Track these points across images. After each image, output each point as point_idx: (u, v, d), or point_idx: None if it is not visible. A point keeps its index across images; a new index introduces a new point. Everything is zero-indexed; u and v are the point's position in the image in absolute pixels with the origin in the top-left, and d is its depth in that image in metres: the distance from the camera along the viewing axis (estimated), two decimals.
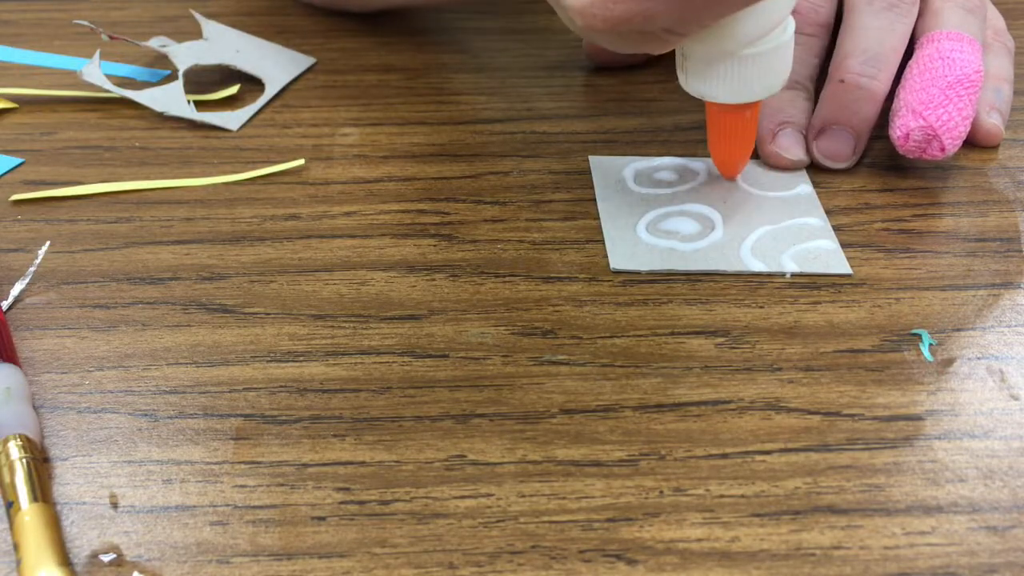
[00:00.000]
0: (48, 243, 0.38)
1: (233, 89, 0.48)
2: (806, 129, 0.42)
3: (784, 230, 0.39)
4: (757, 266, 0.37)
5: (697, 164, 0.42)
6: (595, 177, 0.42)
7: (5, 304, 0.35)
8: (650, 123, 0.46)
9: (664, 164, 0.42)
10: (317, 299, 0.36)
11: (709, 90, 0.37)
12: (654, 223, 0.39)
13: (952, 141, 0.40)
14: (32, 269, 0.37)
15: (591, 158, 0.43)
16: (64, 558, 0.26)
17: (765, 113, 0.42)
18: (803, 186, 0.41)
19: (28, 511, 0.27)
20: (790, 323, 0.35)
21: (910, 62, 0.42)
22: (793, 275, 0.36)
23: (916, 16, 0.43)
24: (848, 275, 0.37)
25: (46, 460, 0.30)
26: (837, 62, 0.42)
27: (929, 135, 0.39)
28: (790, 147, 0.42)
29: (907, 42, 0.42)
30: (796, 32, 0.38)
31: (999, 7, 0.47)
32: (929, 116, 0.39)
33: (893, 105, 0.41)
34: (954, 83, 0.40)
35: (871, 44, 0.41)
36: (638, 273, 0.37)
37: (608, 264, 0.37)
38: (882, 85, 0.41)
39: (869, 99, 0.41)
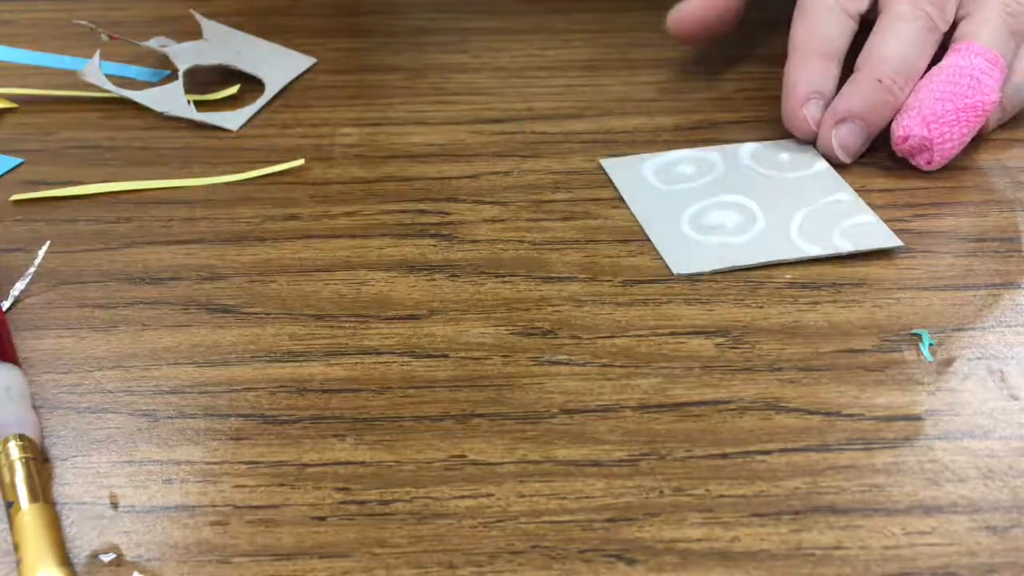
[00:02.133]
0: (48, 243, 0.38)
1: (233, 89, 0.48)
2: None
3: (822, 210, 0.39)
4: (813, 250, 0.37)
5: (711, 154, 0.43)
6: (616, 180, 0.41)
7: (5, 304, 0.35)
8: (650, 123, 0.46)
9: (679, 157, 0.43)
10: (317, 299, 0.36)
11: None
12: (695, 219, 0.39)
13: (941, 159, 0.41)
14: (32, 269, 0.37)
15: (603, 162, 0.43)
16: (64, 558, 0.26)
17: (800, 79, 0.42)
18: (819, 163, 0.42)
19: (28, 511, 0.27)
20: (790, 323, 0.35)
21: (939, 64, 0.42)
22: (850, 253, 0.37)
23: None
24: (900, 246, 0.37)
25: (46, 460, 0.30)
26: (875, 62, 0.42)
27: (925, 146, 0.40)
28: (818, 117, 0.42)
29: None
30: (837, 5, 0.39)
31: None
32: (934, 130, 0.39)
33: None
34: (970, 107, 0.40)
35: (908, 57, 0.42)
36: (700, 275, 0.37)
37: (667, 266, 0.37)
38: (904, 98, 0.41)
39: (893, 106, 0.41)
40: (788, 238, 0.38)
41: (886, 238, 0.38)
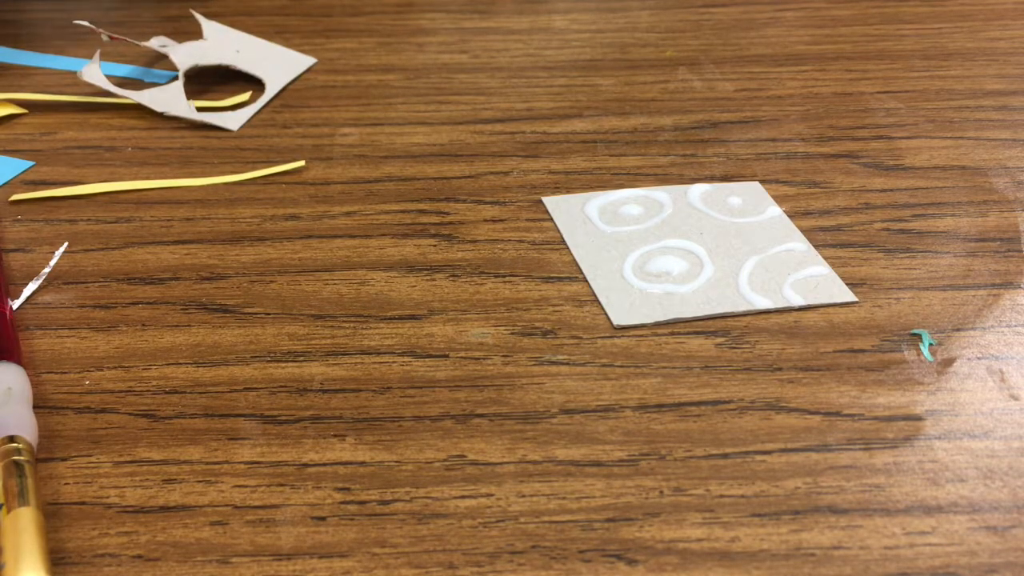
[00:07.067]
0: (66, 244, 0.38)
1: (244, 96, 0.48)
2: None
3: (773, 259, 0.37)
4: (762, 303, 0.35)
5: (659, 194, 0.41)
6: (558, 221, 0.39)
7: (15, 303, 0.35)
8: (650, 123, 0.46)
9: (626, 197, 0.41)
10: (317, 299, 0.36)
11: None
12: (640, 265, 0.37)
13: None
14: (47, 270, 0.37)
15: (546, 200, 0.41)
16: (47, 565, 0.26)
17: None
18: (772, 208, 0.40)
19: (15, 515, 0.27)
20: (790, 323, 0.35)
21: None
22: (801, 308, 0.35)
23: None
24: (853, 301, 0.35)
25: (40, 462, 0.30)
26: None
27: None
28: None
29: None
30: None
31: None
32: None
33: None
34: None
35: None
36: (643, 326, 0.35)
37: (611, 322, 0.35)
38: None
39: None
40: (736, 289, 0.36)
41: (840, 293, 0.36)
